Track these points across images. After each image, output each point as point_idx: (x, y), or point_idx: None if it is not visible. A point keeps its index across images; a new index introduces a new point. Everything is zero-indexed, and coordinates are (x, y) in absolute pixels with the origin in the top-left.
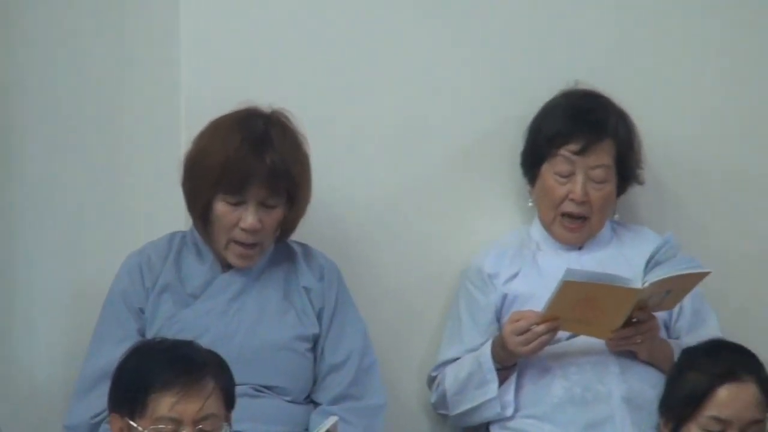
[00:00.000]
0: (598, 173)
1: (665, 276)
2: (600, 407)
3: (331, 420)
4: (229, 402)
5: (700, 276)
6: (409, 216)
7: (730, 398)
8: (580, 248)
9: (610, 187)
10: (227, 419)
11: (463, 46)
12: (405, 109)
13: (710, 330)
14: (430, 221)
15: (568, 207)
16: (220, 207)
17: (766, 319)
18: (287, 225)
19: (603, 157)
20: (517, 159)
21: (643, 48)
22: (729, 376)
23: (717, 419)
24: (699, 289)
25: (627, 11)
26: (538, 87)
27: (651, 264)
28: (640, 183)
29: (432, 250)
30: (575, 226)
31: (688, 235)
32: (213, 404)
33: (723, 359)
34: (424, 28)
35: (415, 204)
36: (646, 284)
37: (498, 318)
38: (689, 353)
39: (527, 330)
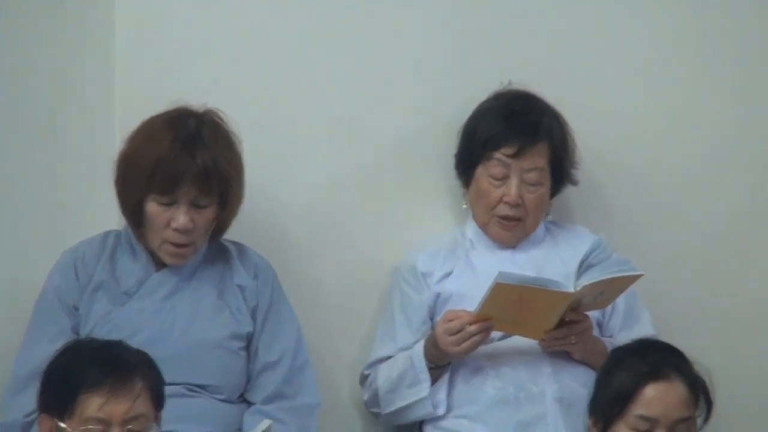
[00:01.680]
0: (532, 176)
1: (598, 279)
2: (532, 407)
3: (265, 423)
4: (158, 402)
5: (633, 278)
6: (342, 215)
7: (657, 397)
8: (513, 247)
9: (545, 189)
10: (156, 419)
11: (395, 46)
12: (338, 109)
13: (643, 328)
14: (363, 220)
15: (503, 210)
16: (152, 207)
17: (698, 318)
18: (220, 224)
19: (537, 159)
20: (450, 159)
21: (577, 48)
22: (656, 374)
23: (645, 418)
24: (632, 287)
25: (561, 12)
26: (471, 87)
27: (583, 267)
28: (574, 184)
29: (365, 249)
30: (510, 224)
31: (621, 235)
32: (142, 404)
33: (650, 358)
34: (357, 28)
35: (348, 203)
36: (579, 287)
37: (431, 317)
38: (617, 353)
39: (460, 330)
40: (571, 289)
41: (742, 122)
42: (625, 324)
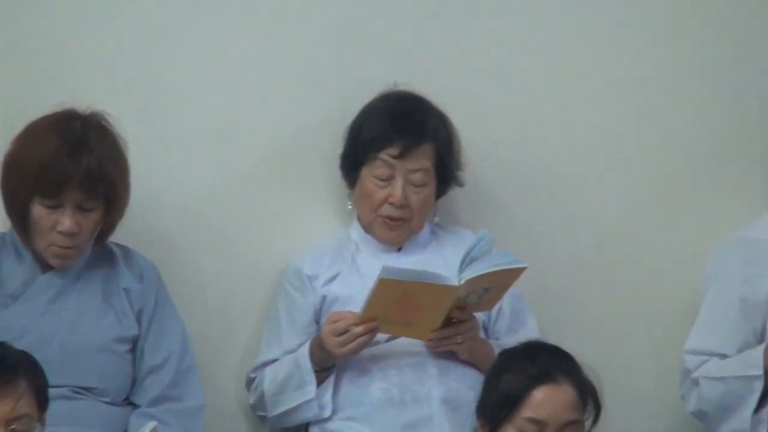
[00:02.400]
0: (417, 177)
1: (482, 272)
2: (418, 409)
3: (150, 425)
4: (42, 402)
5: (518, 272)
6: (228, 217)
7: (545, 399)
8: (399, 250)
9: (430, 190)
10: (41, 420)
11: (279, 46)
12: (222, 111)
13: (529, 331)
14: (248, 223)
15: (388, 210)
16: (38, 210)
17: (585, 320)
18: (105, 227)
19: (422, 160)
20: (335, 160)
21: (464, 50)
22: (544, 377)
23: (532, 420)
24: (518, 291)
25: (450, 12)
26: (357, 88)
27: (466, 261)
28: (460, 185)
29: (251, 251)
30: (395, 224)
31: (507, 235)
32: (25, 404)
33: (538, 361)
34: (241, 29)
35: (234, 205)
36: (463, 281)
37: (317, 319)
38: (505, 355)
39: (346, 331)
40: (456, 283)
41: (629, 123)
42: (512, 327)
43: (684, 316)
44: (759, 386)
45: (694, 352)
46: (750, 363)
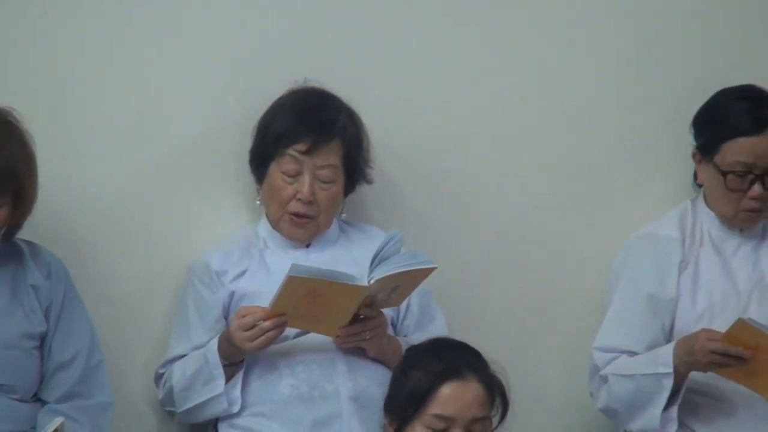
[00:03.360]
0: (325, 173)
1: (391, 272)
2: (327, 405)
3: (57, 421)
4: None
5: (427, 271)
6: (136, 213)
7: (452, 396)
8: (307, 246)
9: (338, 187)
10: None
11: (189, 43)
12: (131, 107)
13: (437, 328)
14: (156, 219)
15: (295, 207)
16: None
17: (493, 316)
18: (13, 224)
19: (331, 157)
20: (245, 157)
21: (373, 46)
22: (452, 374)
23: (440, 417)
24: (426, 287)
25: (359, 9)
26: (267, 84)
27: (377, 260)
28: (369, 182)
29: (159, 247)
30: (302, 221)
31: (416, 233)
32: None
33: (446, 357)
34: (150, 25)
35: (142, 201)
36: (372, 281)
37: (225, 315)
38: (413, 351)
39: (254, 326)
40: (365, 283)
41: (538, 120)
42: (420, 324)
43: (593, 312)
44: (668, 384)
45: (603, 349)
46: (659, 361)
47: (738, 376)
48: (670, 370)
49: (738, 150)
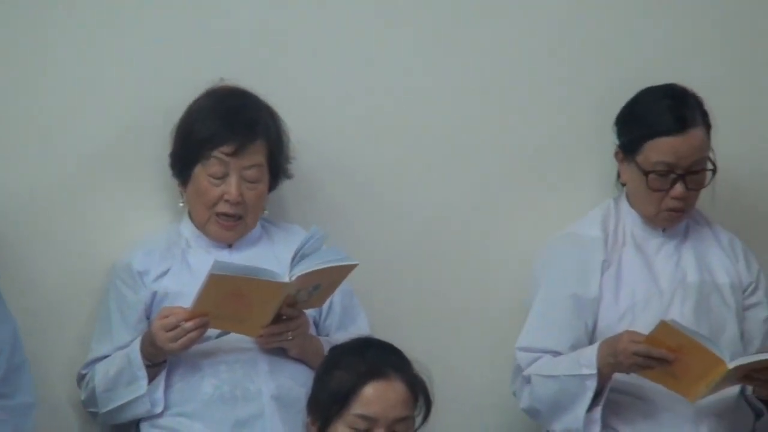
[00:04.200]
0: (251, 173)
1: (312, 269)
2: (249, 405)
3: None
4: None
5: (348, 269)
6: (58, 214)
7: (376, 396)
8: (230, 246)
9: (264, 185)
10: None
11: (106, 44)
12: (50, 109)
13: (359, 327)
14: (78, 219)
15: (223, 207)
16: None
17: (415, 315)
18: None
19: (256, 157)
20: (165, 157)
21: (290, 44)
22: (375, 373)
23: (363, 417)
24: (348, 286)
25: (272, 7)
26: (183, 83)
27: (297, 257)
28: (289, 177)
29: (81, 247)
30: (230, 224)
31: (335, 231)
32: None
33: (369, 357)
34: (64, 26)
35: (64, 202)
36: (294, 277)
37: (148, 315)
38: (336, 351)
39: (176, 326)
40: (286, 280)
41: (459, 118)
42: (342, 323)
43: (516, 312)
44: (592, 385)
45: (526, 350)
46: (583, 362)
47: (660, 377)
48: (594, 371)
49: (660, 150)
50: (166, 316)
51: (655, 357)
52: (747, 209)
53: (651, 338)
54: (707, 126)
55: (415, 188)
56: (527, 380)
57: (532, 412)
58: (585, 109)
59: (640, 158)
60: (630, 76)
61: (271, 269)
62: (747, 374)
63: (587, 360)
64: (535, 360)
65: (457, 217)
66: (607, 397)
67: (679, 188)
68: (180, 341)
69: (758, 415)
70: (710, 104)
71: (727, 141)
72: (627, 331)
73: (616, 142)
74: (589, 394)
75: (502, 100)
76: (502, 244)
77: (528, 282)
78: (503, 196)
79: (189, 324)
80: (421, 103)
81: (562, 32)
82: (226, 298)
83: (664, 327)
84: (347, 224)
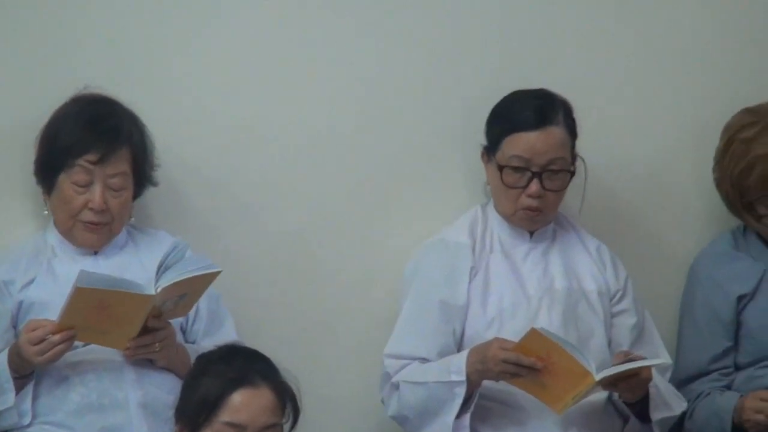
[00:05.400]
0: (116, 181)
1: (177, 279)
2: (116, 413)
3: None
4: None
5: (212, 276)
6: None
7: (244, 403)
8: (95, 254)
9: (128, 193)
10: None
11: None
12: None
13: (226, 333)
14: None
15: (87, 216)
16: None
17: (283, 322)
18: None
19: (121, 165)
20: (30, 164)
21: (154, 51)
22: (243, 381)
23: (231, 425)
24: (215, 291)
25: (141, 13)
26: (46, 90)
27: (162, 269)
28: (155, 185)
29: None
30: (95, 227)
31: (201, 238)
32: None
33: (236, 364)
34: None
35: None
36: (159, 289)
37: (14, 324)
38: (203, 359)
39: (43, 339)
40: (152, 292)
41: (328, 130)
42: (209, 329)
43: (385, 319)
44: (461, 392)
45: (394, 356)
46: (452, 369)
47: (529, 386)
48: (463, 378)
49: (515, 144)
50: (34, 329)
51: (524, 365)
52: (615, 217)
53: (520, 346)
54: (570, 130)
55: (285, 194)
56: (396, 387)
57: (400, 419)
58: (455, 117)
59: (498, 155)
60: (502, 83)
61: (136, 281)
62: (611, 381)
63: (456, 367)
64: (404, 367)
65: (329, 223)
66: (476, 404)
67: (534, 186)
68: (47, 355)
69: (626, 420)
70: (579, 109)
71: (597, 149)
72: (496, 338)
73: (484, 143)
74: (458, 401)
75: (374, 106)
76: (374, 250)
77: (398, 289)
78: (377, 202)
79: (56, 337)
80: (291, 109)
81: (434, 38)
82: (93, 311)
83: (534, 334)
84: (215, 231)
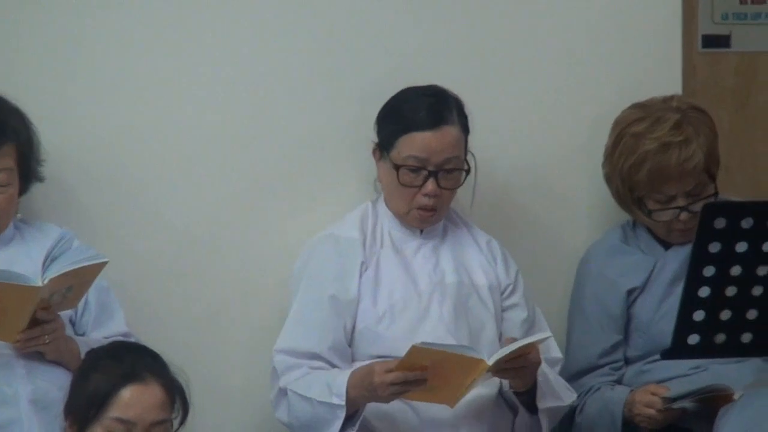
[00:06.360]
0: (1, 177)
1: (63, 270)
2: (6, 409)
3: None
4: None
5: (98, 267)
6: None
7: (133, 399)
8: None
9: (14, 189)
10: None
11: None
12: None
13: (116, 324)
14: None
15: None
16: None
17: (174, 318)
18: None
19: (5, 160)
20: None
21: (43, 45)
22: (132, 377)
23: (120, 420)
24: (104, 283)
25: (57, 14)
26: None
27: (48, 261)
28: (41, 180)
29: None
30: None
31: (94, 229)
32: None
33: (126, 360)
34: None
35: None
36: (46, 281)
37: None
38: (93, 354)
39: None
40: (39, 283)
41: (218, 126)
42: (98, 321)
43: (275, 314)
44: (341, 414)
45: (285, 352)
46: (334, 391)
47: (419, 395)
48: (343, 403)
49: (411, 144)
50: None
51: (411, 381)
52: (506, 212)
53: (403, 364)
54: (464, 128)
55: (177, 189)
56: (284, 393)
57: (289, 426)
58: (346, 112)
59: (393, 154)
60: (393, 78)
61: (23, 273)
62: (502, 368)
63: (338, 389)
64: (292, 367)
65: (222, 217)
66: (364, 417)
67: (430, 185)
68: None
69: (516, 413)
70: (469, 105)
71: (487, 144)
72: (377, 363)
73: (376, 140)
74: (339, 422)
75: (266, 99)
76: (266, 245)
77: (288, 284)
78: (269, 197)
79: None
80: (184, 103)
81: (325, 31)
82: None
83: (415, 351)
84: (106, 224)
